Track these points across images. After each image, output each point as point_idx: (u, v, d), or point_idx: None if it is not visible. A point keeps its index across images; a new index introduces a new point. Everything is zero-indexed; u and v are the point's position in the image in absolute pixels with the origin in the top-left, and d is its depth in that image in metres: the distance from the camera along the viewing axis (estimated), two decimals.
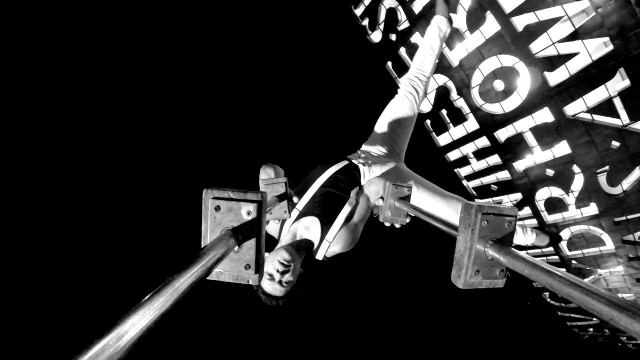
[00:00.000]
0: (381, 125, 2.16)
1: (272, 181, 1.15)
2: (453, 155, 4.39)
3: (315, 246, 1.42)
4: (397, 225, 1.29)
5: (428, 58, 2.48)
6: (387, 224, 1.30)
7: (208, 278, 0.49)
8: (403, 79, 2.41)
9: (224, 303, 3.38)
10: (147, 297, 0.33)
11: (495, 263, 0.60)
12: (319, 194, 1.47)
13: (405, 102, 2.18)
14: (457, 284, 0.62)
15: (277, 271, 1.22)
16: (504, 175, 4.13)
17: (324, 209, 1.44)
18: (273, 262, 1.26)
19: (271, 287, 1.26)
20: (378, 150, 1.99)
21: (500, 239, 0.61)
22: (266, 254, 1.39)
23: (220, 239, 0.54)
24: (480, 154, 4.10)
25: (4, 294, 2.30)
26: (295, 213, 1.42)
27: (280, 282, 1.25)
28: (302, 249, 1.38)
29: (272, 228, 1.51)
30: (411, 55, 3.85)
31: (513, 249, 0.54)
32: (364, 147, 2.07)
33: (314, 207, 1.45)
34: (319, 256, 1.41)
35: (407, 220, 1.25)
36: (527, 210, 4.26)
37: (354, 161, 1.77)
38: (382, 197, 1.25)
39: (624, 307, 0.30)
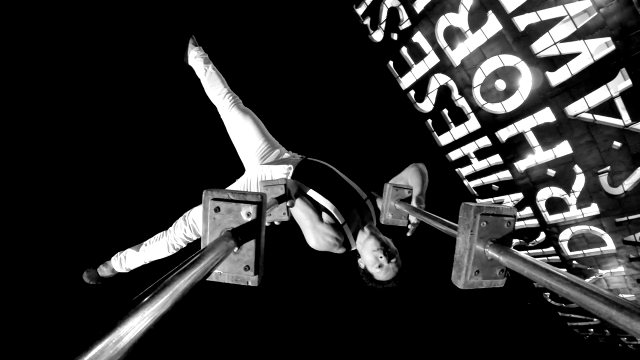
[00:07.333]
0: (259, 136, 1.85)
1: (272, 183, 1.14)
2: (454, 155, 4.39)
3: (377, 214, 1.49)
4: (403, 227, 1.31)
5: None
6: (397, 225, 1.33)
7: (208, 279, 0.49)
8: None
9: (223, 304, 3.40)
10: (146, 299, 0.33)
11: (495, 263, 0.60)
12: (344, 200, 1.44)
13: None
14: (458, 284, 0.62)
15: (381, 258, 1.32)
16: (506, 175, 4.13)
17: (353, 195, 1.48)
18: (372, 256, 1.35)
19: (390, 271, 1.35)
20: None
21: (499, 239, 0.61)
22: (359, 261, 1.46)
23: (219, 240, 0.53)
24: (481, 153, 4.10)
25: (4, 295, 2.32)
26: (347, 229, 1.42)
27: (389, 260, 1.34)
28: (373, 226, 1.48)
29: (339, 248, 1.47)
30: (413, 55, 3.85)
31: (513, 249, 0.54)
32: (285, 154, 1.90)
33: (351, 202, 1.46)
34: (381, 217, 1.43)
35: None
36: (528, 210, 4.26)
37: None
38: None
39: (623, 306, 0.30)
